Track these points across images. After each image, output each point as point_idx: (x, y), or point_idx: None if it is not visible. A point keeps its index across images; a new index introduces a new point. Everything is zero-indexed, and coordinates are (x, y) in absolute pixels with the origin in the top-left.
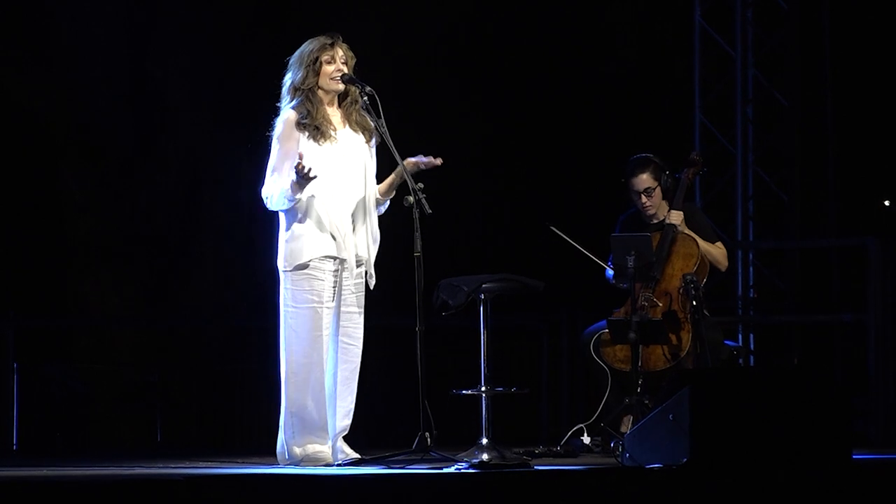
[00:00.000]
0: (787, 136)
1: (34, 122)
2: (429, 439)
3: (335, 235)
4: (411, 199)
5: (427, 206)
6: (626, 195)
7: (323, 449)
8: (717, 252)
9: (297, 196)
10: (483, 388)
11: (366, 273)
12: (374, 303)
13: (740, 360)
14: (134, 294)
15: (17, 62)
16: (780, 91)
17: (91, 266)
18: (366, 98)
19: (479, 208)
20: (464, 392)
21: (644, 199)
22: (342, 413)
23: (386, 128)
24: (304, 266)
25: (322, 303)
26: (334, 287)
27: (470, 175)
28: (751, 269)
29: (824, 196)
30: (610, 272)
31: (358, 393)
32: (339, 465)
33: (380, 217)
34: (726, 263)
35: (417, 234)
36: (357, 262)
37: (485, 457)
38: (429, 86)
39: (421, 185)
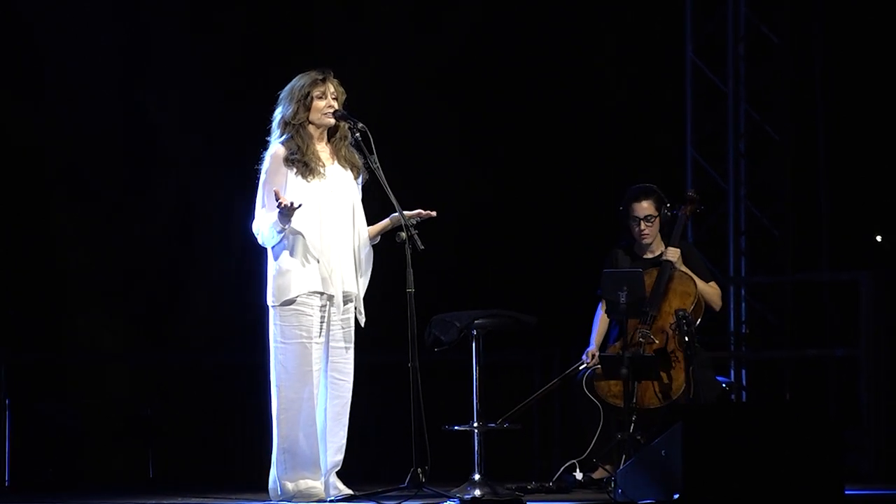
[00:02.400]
0: (779, 171)
1: (25, 157)
2: (421, 475)
3: (322, 271)
4: (403, 235)
5: (419, 243)
6: (621, 225)
7: (315, 485)
8: (712, 292)
9: (286, 226)
10: (475, 424)
11: (355, 309)
12: (367, 339)
13: (732, 396)
14: (126, 329)
15: (8, 96)
16: (772, 125)
17: (83, 301)
18: (357, 134)
19: (472, 244)
20: (456, 428)
21: (643, 225)
22: (334, 448)
23: (378, 164)
24: (292, 301)
25: (311, 338)
26: (322, 322)
27: (462, 211)
28: (743, 304)
29: (816, 231)
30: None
31: (351, 428)
32: (331, 500)
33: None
34: (720, 303)
35: (410, 270)
36: (346, 298)
37: (477, 492)
38: (420, 122)
39: (413, 221)
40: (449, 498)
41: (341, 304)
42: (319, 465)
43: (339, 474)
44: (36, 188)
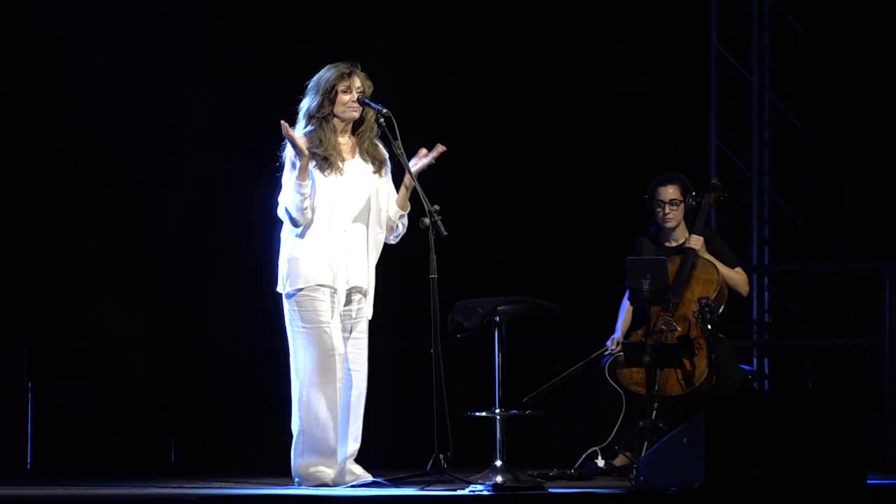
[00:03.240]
0: (803, 160)
1: (47, 144)
2: (443, 461)
3: (331, 266)
4: (427, 220)
5: (443, 228)
6: (646, 212)
7: (326, 470)
8: (738, 278)
9: (304, 183)
10: (497, 411)
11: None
12: (389, 324)
13: (755, 384)
14: (148, 314)
15: (30, 83)
16: (796, 114)
17: (104, 286)
18: (382, 120)
19: (495, 230)
20: (478, 414)
21: (668, 209)
22: (350, 438)
23: (402, 150)
24: (302, 290)
25: (329, 322)
26: (333, 310)
27: (485, 197)
28: (766, 293)
29: (840, 220)
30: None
31: (372, 414)
32: (353, 486)
33: (398, 238)
34: (747, 289)
35: (433, 256)
36: (356, 291)
37: (499, 479)
38: (442, 106)
39: (437, 206)
40: (471, 484)
41: (342, 300)
42: (335, 451)
43: (359, 460)
44: (57, 173)
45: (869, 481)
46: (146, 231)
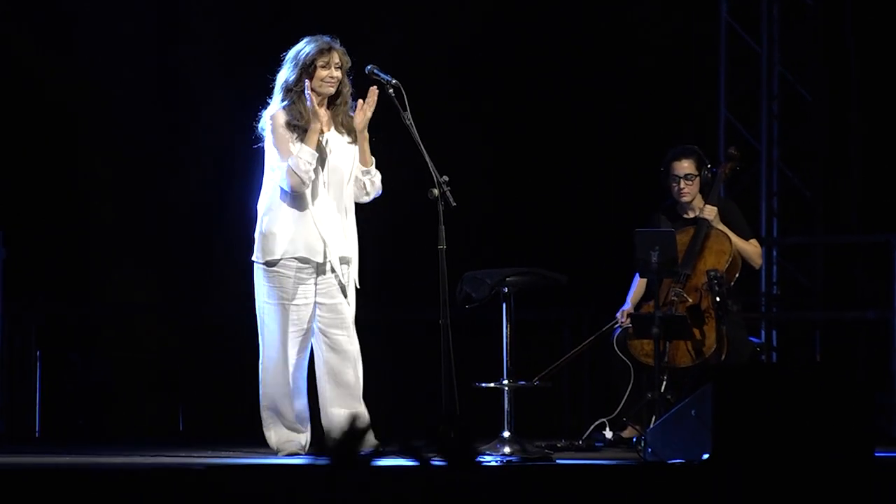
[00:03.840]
0: (812, 132)
1: (58, 112)
2: (452, 432)
3: (310, 237)
4: (436, 191)
5: (451, 199)
6: (661, 185)
7: (294, 437)
8: (750, 249)
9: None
10: (505, 382)
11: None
12: (398, 295)
13: (763, 357)
14: (157, 283)
15: (41, 52)
16: (805, 87)
17: (114, 254)
18: (391, 90)
19: (505, 201)
20: (486, 385)
21: (683, 184)
22: (339, 402)
23: (412, 121)
24: (275, 262)
25: (290, 300)
26: (302, 284)
27: (494, 168)
28: (774, 265)
29: (849, 192)
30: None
31: (381, 385)
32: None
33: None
34: (760, 262)
35: (441, 227)
36: (342, 260)
37: (507, 450)
38: (453, 77)
39: (446, 177)
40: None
41: (328, 270)
42: (298, 421)
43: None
44: (67, 142)
45: (876, 454)
46: (156, 200)
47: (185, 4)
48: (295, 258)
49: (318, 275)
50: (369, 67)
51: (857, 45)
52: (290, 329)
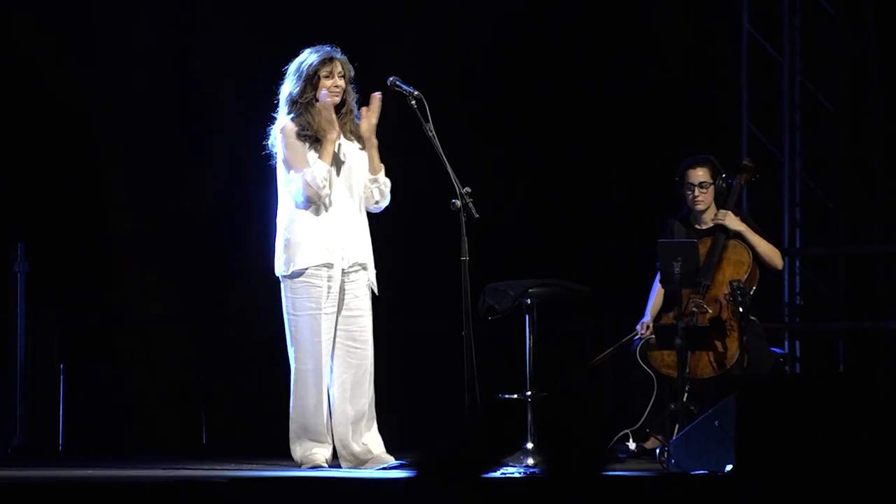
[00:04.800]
0: (834, 142)
1: (77, 123)
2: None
3: (331, 243)
4: (458, 203)
5: (474, 210)
6: (676, 194)
7: (319, 450)
8: (770, 251)
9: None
10: (528, 393)
11: (368, 279)
12: (420, 307)
13: (786, 367)
14: (178, 294)
15: (60, 61)
16: (827, 96)
17: (135, 266)
18: (413, 102)
19: (527, 213)
20: (509, 397)
21: (698, 192)
22: (357, 415)
23: (434, 132)
24: (301, 273)
25: (320, 310)
26: (330, 293)
27: (515, 179)
28: (797, 275)
29: (871, 202)
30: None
31: (403, 397)
32: (382, 468)
33: (379, 206)
34: (781, 263)
35: (464, 239)
36: (358, 267)
37: (530, 461)
38: (473, 86)
39: (468, 189)
40: (501, 466)
41: (340, 276)
42: (326, 433)
43: (389, 443)
44: (87, 152)
45: None
46: (176, 211)
47: (205, 17)
48: (321, 265)
49: (340, 282)
50: (391, 79)
51: (879, 55)
52: (322, 339)
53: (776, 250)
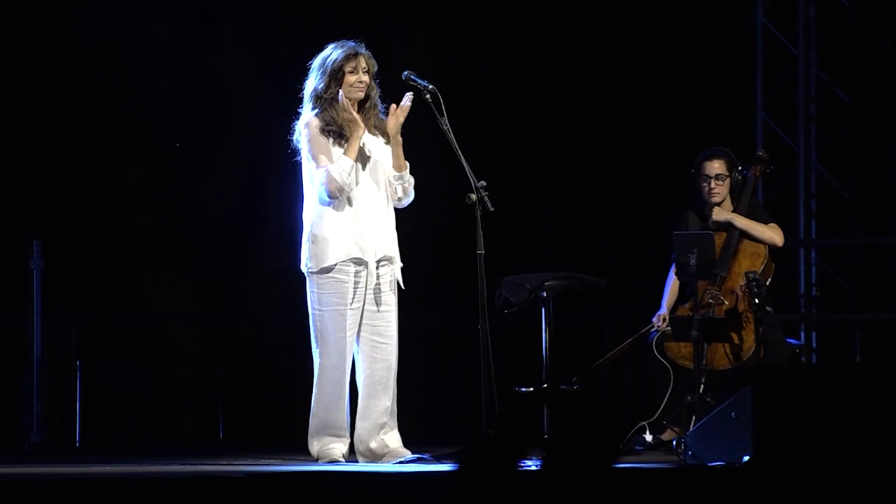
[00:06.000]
0: (849, 134)
1: (94, 119)
2: (492, 437)
3: (358, 238)
4: (474, 196)
5: (489, 204)
6: (691, 187)
7: (336, 445)
8: (761, 229)
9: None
10: (545, 386)
11: (393, 272)
12: (436, 300)
13: (802, 359)
14: (195, 290)
15: (76, 58)
16: (843, 88)
17: (152, 262)
18: (428, 96)
19: (542, 206)
20: (525, 390)
21: (713, 184)
22: (379, 411)
23: (449, 126)
24: (329, 269)
25: (346, 305)
26: (356, 288)
27: (532, 172)
28: (813, 267)
29: (887, 193)
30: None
31: (418, 390)
32: (399, 462)
33: (402, 202)
34: (781, 238)
35: (480, 232)
36: (385, 260)
37: (545, 454)
38: (488, 79)
39: (484, 182)
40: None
41: (374, 270)
42: (345, 427)
43: (405, 436)
44: (104, 150)
45: None
46: (194, 207)
47: (220, 12)
48: (349, 260)
49: (367, 277)
50: (406, 73)
51: (894, 46)
52: (347, 334)
53: (772, 227)
